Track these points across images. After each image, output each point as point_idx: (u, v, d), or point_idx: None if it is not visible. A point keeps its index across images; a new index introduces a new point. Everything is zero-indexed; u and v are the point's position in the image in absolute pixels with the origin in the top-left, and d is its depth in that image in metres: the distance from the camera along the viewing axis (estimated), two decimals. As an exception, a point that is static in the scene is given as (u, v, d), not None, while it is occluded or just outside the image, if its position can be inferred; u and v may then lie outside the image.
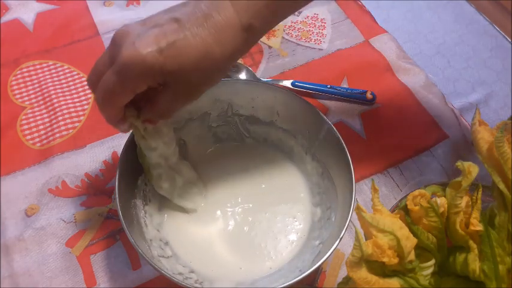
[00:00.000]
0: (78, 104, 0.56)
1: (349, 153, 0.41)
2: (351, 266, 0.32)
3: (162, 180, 0.44)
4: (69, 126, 0.54)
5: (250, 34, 0.34)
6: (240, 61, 0.61)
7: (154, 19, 0.33)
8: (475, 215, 0.34)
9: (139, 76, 0.32)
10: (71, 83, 0.58)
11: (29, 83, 0.58)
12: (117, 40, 0.33)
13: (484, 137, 0.36)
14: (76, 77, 0.59)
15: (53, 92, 0.56)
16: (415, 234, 0.34)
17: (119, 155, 0.41)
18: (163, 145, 0.42)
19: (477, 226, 0.33)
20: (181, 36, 0.32)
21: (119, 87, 0.33)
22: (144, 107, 0.37)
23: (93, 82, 0.35)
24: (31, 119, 0.54)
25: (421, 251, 0.35)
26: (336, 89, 0.57)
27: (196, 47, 0.32)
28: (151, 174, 0.43)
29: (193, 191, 0.46)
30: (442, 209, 0.34)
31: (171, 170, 0.45)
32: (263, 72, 0.60)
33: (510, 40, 0.65)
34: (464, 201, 0.34)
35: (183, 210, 0.46)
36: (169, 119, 0.39)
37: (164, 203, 0.46)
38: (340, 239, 0.37)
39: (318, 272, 0.45)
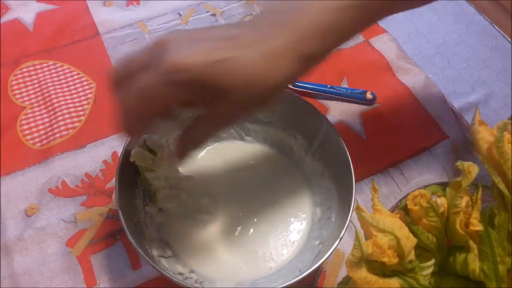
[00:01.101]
0: (78, 104, 0.56)
1: (349, 153, 0.41)
2: (350, 266, 0.32)
3: (167, 201, 0.44)
4: (69, 126, 0.54)
5: (307, 62, 0.32)
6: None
7: (210, 32, 0.31)
8: (475, 215, 0.34)
9: (186, 84, 0.29)
10: (71, 83, 0.58)
11: (29, 83, 0.58)
12: (164, 43, 0.29)
13: (484, 137, 0.36)
14: (76, 77, 0.59)
15: (53, 92, 0.56)
16: (415, 234, 0.34)
17: (119, 155, 0.41)
18: (167, 168, 0.43)
19: (477, 226, 0.33)
20: (236, 54, 0.29)
21: (160, 92, 0.29)
22: (179, 139, 0.35)
23: (118, 80, 0.31)
24: (31, 119, 0.54)
25: (421, 251, 0.35)
26: (336, 89, 0.57)
27: (248, 68, 0.30)
28: (157, 199, 0.44)
29: (203, 202, 0.47)
30: (442, 209, 0.34)
31: (175, 189, 0.45)
32: (263, 72, 0.60)
33: (510, 40, 0.65)
34: (464, 201, 0.34)
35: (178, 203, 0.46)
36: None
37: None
38: (340, 239, 0.37)
39: (317, 272, 0.45)
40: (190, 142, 0.35)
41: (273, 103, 0.32)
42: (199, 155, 0.50)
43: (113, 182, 0.50)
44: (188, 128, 0.34)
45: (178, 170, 0.46)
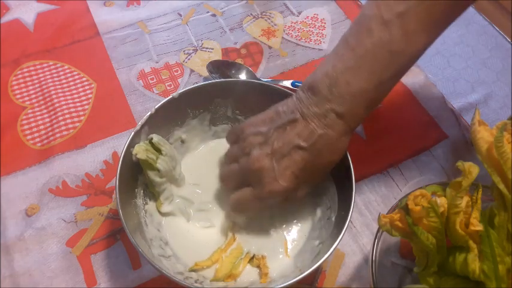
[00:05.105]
0: (78, 104, 0.56)
1: (349, 153, 0.41)
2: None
3: (170, 204, 0.45)
4: (70, 126, 0.54)
5: (352, 132, 0.40)
6: (240, 61, 0.61)
7: (280, 150, 0.39)
8: (475, 215, 0.34)
9: (279, 197, 0.40)
10: (71, 83, 0.58)
11: (29, 83, 0.58)
12: (257, 175, 0.39)
13: (484, 137, 0.36)
14: (76, 77, 0.59)
15: (53, 92, 0.57)
16: (415, 235, 0.34)
17: (119, 155, 0.41)
18: (170, 167, 0.44)
19: (477, 226, 0.33)
20: (308, 162, 0.38)
21: (259, 205, 0.42)
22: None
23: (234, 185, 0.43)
24: (31, 119, 0.54)
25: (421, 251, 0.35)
26: (336, 89, 0.57)
27: (319, 167, 0.40)
28: (160, 201, 0.44)
29: (208, 208, 0.47)
30: (442, 209, 0.34)
31: (179, 195, 0.46)
32: (263, 72, 0.60)
33: (510, 40, 0.65)
34: (464, 201, 0.34)
35: (181, 210, 0.46)
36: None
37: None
38: (340, 239, 0.37)
39: (317, 271, 0.45)
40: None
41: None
42: (198, 150, 0.50)
43: (113, 182, 0.50)
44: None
45: (182, 172, 0.46)
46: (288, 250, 0.44)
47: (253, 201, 0.41)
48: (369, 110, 0.39)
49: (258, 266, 0.43)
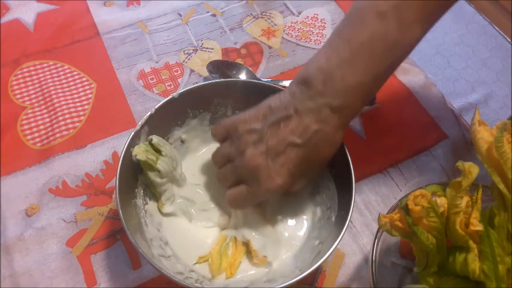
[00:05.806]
0: (78, 104, 0.56)
1: (349, 153, 0.41)
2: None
3: (171, 205, 0.45)
4: (70, 126, 0.54)
5: (348, 124, 0.40)
6: (240, 61, 0.61)
7: (274, 148, 0.38)
8: (475, 215, 0.34)
9: (276, 194, 0.41)
10: (71, 83, 0.58)
11: (29, 83, 0.58)
12: (253, 174, 0.39)
13: (484, 137, 0.36)
14: (76, 77, 0.59)
15: (53, 92, 0.57)
16: (415, 235, 0.34)
17: (119, 155, 0.41)
18: (170, 167, 0.44)
19: (477, 226, 0.33)
20: (304, 158, 0.39)
21: (255, 201, 0.42)
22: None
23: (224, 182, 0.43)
24: (31, 119, 0.54)
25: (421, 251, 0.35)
26: (336, 89, 0.57)
27: (316, 161, 0.40)
28: (162, 202, 0.44)
29: (210, 208, 0.47)
30: (442, 209, 0.34)
31: (180, 196, 0.46)
32: (263, 72, 0.60)
33: (510, 40, 0.65)
34: (464, 201, 0.34)
35: (183, 210, 0.46)
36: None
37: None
38: (340, 239, 0.37)
39: (317, 271, 0.45)
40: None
41: None
42: (200, 153, 0.50)
43: (113, 182, 0.50)
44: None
45: (183, 173, 0.46)
46: (288, 250, 0.44)
47: (249, 197, 0.41)
48: (365, 103, 0.39)
49: (248, 250, 0.43)
